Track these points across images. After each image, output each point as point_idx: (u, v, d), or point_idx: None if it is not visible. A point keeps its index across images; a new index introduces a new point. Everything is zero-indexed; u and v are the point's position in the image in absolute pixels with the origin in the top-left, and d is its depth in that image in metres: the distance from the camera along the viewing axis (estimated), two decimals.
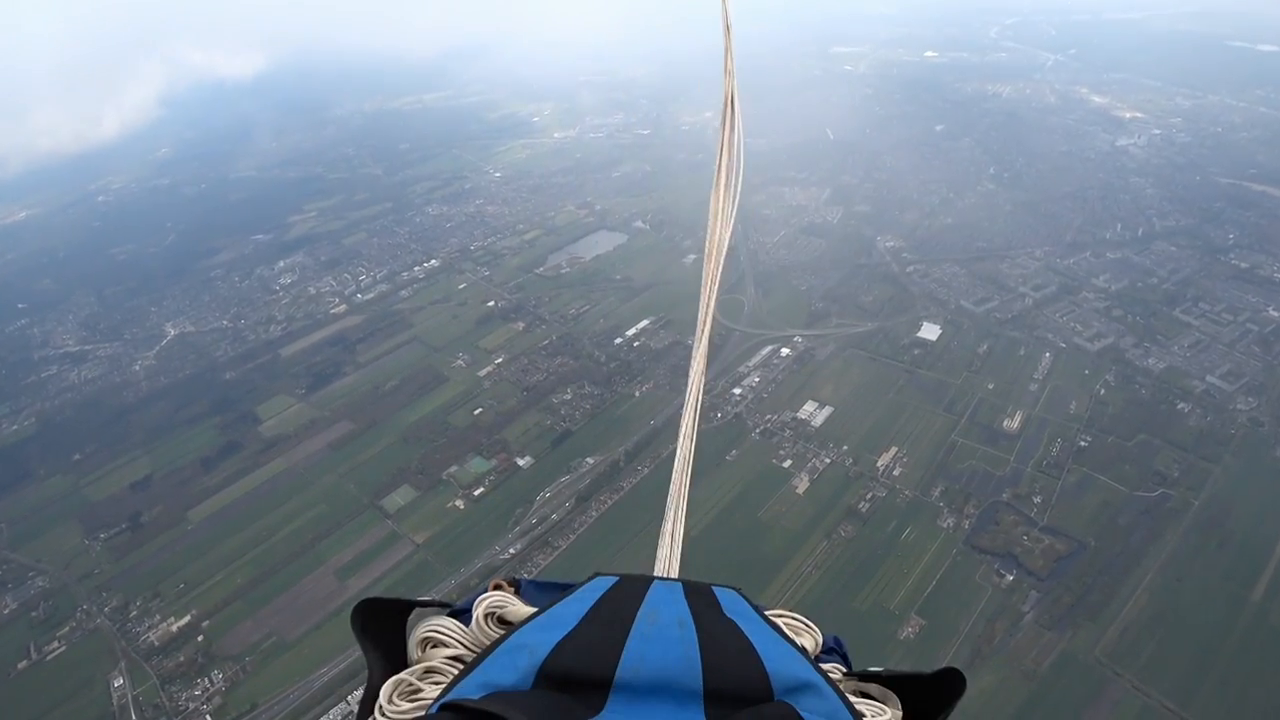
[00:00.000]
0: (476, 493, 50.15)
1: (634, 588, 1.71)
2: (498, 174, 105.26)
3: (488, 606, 1.95)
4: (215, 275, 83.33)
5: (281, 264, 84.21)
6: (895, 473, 49.75)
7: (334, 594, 44.39)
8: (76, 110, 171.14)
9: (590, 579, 1.85)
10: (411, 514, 49.25)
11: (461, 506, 49.40)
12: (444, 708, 1.28)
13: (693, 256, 74.55)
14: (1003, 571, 43.20)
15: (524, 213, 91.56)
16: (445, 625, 1.95)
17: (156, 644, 42.22)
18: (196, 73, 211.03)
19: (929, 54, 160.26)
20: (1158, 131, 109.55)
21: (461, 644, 1.90)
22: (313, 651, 40.89)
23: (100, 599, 45.47)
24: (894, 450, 51.36)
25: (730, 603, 1.74)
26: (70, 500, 53.61)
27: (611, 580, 1.82)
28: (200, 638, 42.39)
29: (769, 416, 54.88)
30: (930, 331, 63.92)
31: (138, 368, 68.64)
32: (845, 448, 51.99)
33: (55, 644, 43.14)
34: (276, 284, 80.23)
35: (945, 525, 45.95)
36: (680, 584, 1.82)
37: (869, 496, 48.08)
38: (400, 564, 45.99)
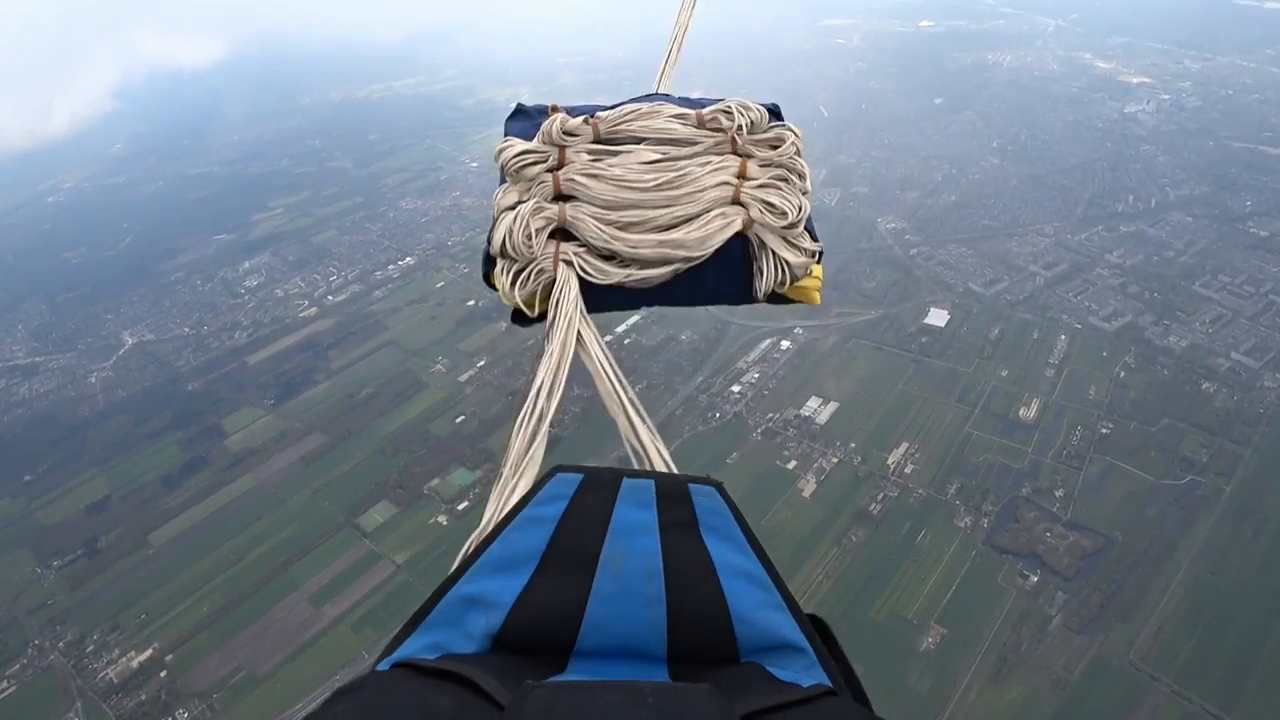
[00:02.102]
0: (461, 507, 48.51)
1: (599, 498, 1.58)
2: (474, 164, 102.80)
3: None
4: (176, 279, 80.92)
5: (246, 265, 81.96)
6: (907, 470, 48.35)
7: (308, 622, 42.77)
8: (24, 104, 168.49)
9: (550, 476, 1.65)
10: (391, 532, 47.60)
11: (445, 523, 47.85)
12: (398, 665, 1.30)
13: None
14: (1026, 572, 41.88)
15: None
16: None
17: (116, 681, 40.31)
18: (153, 62, 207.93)
19: (924, 23, 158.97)
20: (1166, 97, 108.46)
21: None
22: (286, 686, 39.25)
23: (54, 633, 43.50)
24: (904, 446, 49.97)
25: (707, 511, 1.61)
26: (21, 525, 51.57)
27: (574, 482, 1.62)
28: (163, 673, 40.45)
29: (770, 415, 53.39)
30: (938, 317, 62.54)
31: (93, 380, 66.47)
32: (853, 445, 50.57)
33: (4, 684, 41.22)
34: (241, 287, 78.04)
35: (962, 525, 44.64)
36: (653, 485, 1.61)
37: (880, 497, 46.71)
38: (380, 587, 44.38)
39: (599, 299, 2.26)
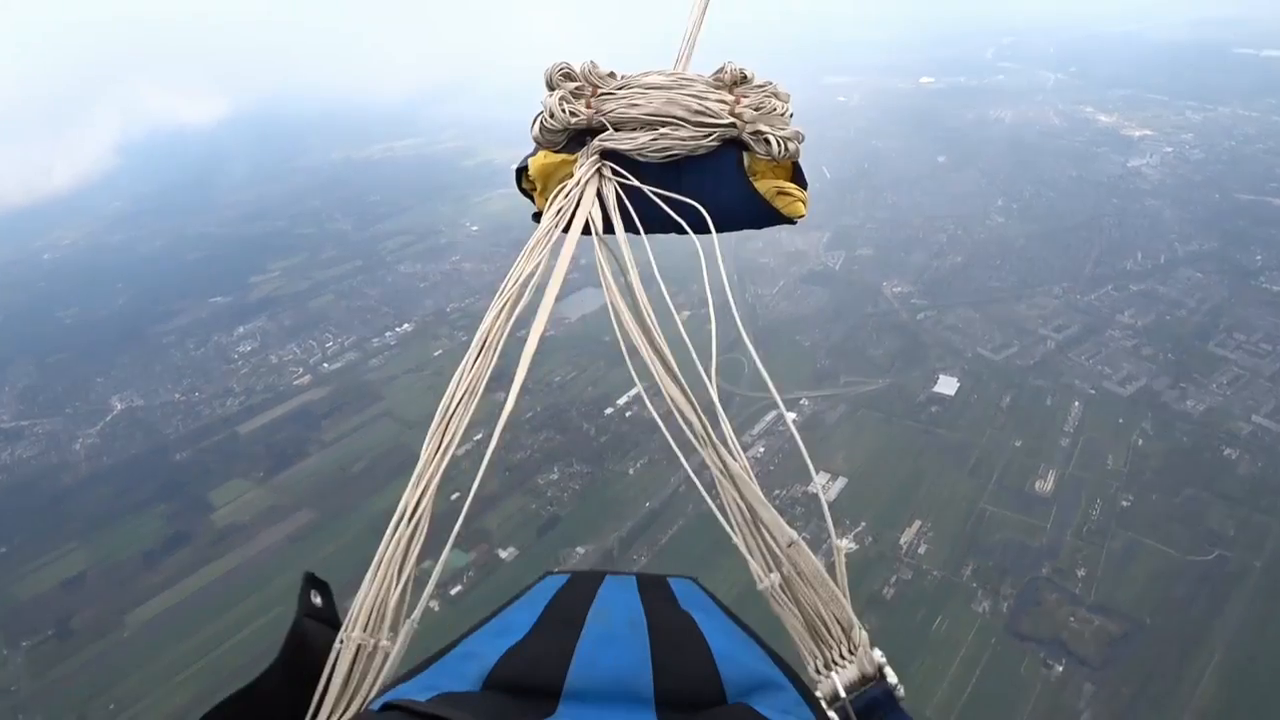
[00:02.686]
0: (454, 591, 46.74)
1: (585, 586, 1.72)
2: (475, 227, 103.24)
3: None
4: (169, 342, 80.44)
5: (241, 330, 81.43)
6: (920, 551, 46.68)
7: None
8: (25, 159, 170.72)
9: (541, 579, 1.81)
10: None
11: (437, 609, 46.00)
12: (387, 707, 1.29)
13: (686, 313, 71.43)
14: (1050, 661, 39.89)
15: (503, 270, 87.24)
16: None
17: None
18: (156, 119, 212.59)
19: (925, 80, 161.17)
20: (1169, 149, 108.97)
21: None
22: None
23: None
24: (917, 525, 48.36)
25: (686, 594, 1.75)
26: None
27: (562, 579, 1.78)
28: None
29: (777, 492, 51.74)
30: (947, 385, 61.45)
31: (78, 446, 65.24)
32: (863, 524, 48.92)
33: None
34: (235, 352, 77.40)
35: (980, 610, 42.80)
36: (634, 578, 1.77)
37: (893, 580, 44.93)
38: None
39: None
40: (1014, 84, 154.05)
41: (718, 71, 2.45)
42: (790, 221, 2.46)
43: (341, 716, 1.51)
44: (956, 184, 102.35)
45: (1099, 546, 46.28)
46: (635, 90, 2.41)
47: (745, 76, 2.41)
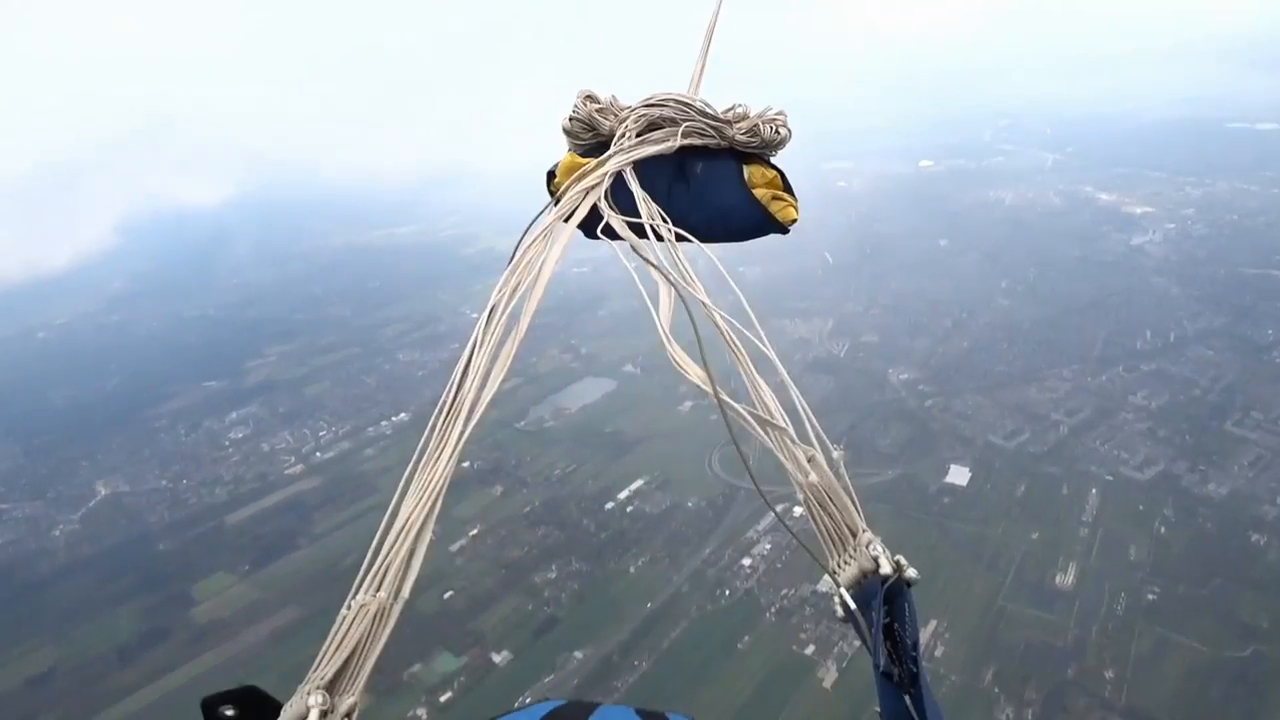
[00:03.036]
0: (443, 698, 44.81)
1: (577, 715, 1.75)
2: (474, 315, 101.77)
3: None
4: (159, 426, 79.98)
5: (234, 415, 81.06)
6: (938, 653, 44.58)
7: None
8: (26, 235, 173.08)
9: (532, 704, 1.86)
10: None
11: (424, 716, 44.05)
12: None
13: (689, 403, 71.95)
14: None
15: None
16: None
17: None
18: (159, 198, 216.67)
19: (924, 164, 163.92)
20: (1172, 225, 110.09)
21: None
22: None
23: None
24: (933, 625, 46.40)
25: None
26: None
27: (555, 704, 1.82)
28: None
29: (785, 591, 50.08)
30: (959, 475, 60.27)
31: (58, 533, 64.02)
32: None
33: None
34: (226, 439, 76.73)
35: (1004, 719, 40.65)
36: (632, 711, 1.82)
37: None
38: None
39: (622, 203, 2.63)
40: (1013, 165, 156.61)
41: (727, 110, 2.73)
42: (784, 229, 2.69)
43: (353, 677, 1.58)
44: (960, 267, 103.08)
45: (1126, 644, 44.37)
46: (651, 103, 2.69)
47: (747, 115, 2.70)
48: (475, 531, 59.08)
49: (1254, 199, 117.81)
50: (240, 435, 77.26)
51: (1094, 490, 57.03)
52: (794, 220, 2.69)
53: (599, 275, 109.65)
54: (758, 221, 2.65)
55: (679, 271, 2.34)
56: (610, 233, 2.51)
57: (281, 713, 1.49)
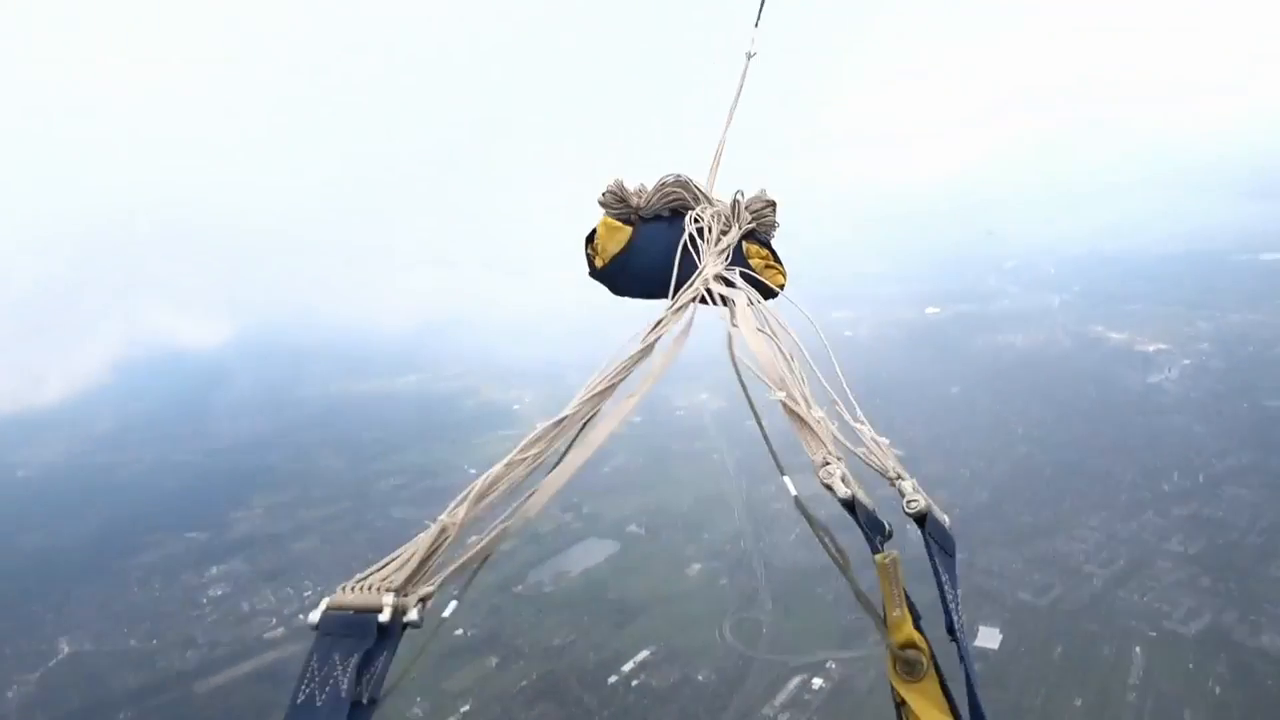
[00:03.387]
0: None
1: None
2: (472, 470, 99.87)
3: None
4: (133, 579, 77.74)
5: (214, 570, 78.96)
6: None
7: None
8: (19, 368, 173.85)
9: None
10: None
11: None
12: None
13: (697, 566, 70.13)
14: None
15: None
16: None
17: None
18: (156, 338, 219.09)
19: (930, 310, 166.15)
20: (1187, 361, 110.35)
21: None
22: None
23: None
24: None
25: None
26: None
27: None
28: None
29: None
30: (989, 638, 57.87)
31: (11, 694, 61.16)
32: None
33: None
34: (204, 596, 74.60)
35: None
36: None
37: None
38: None
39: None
40: (1020, 308, 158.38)
41: (736, 196, 3.68)
42: (774, 294, 3.35)
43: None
44: (973, 415, 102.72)
45: None
46: (667, 185, 3.70)
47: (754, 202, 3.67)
48: (466, 708, 56.65)
49: (1268, 329, 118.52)
50: (219, 592, 75.14)
51: (1138, 649, 54.72)
52: (782, 285, 3.53)
53: None
54: (755, 285, 3.24)
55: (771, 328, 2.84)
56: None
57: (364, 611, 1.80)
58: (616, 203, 3.68)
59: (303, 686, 1.65)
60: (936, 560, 1.83)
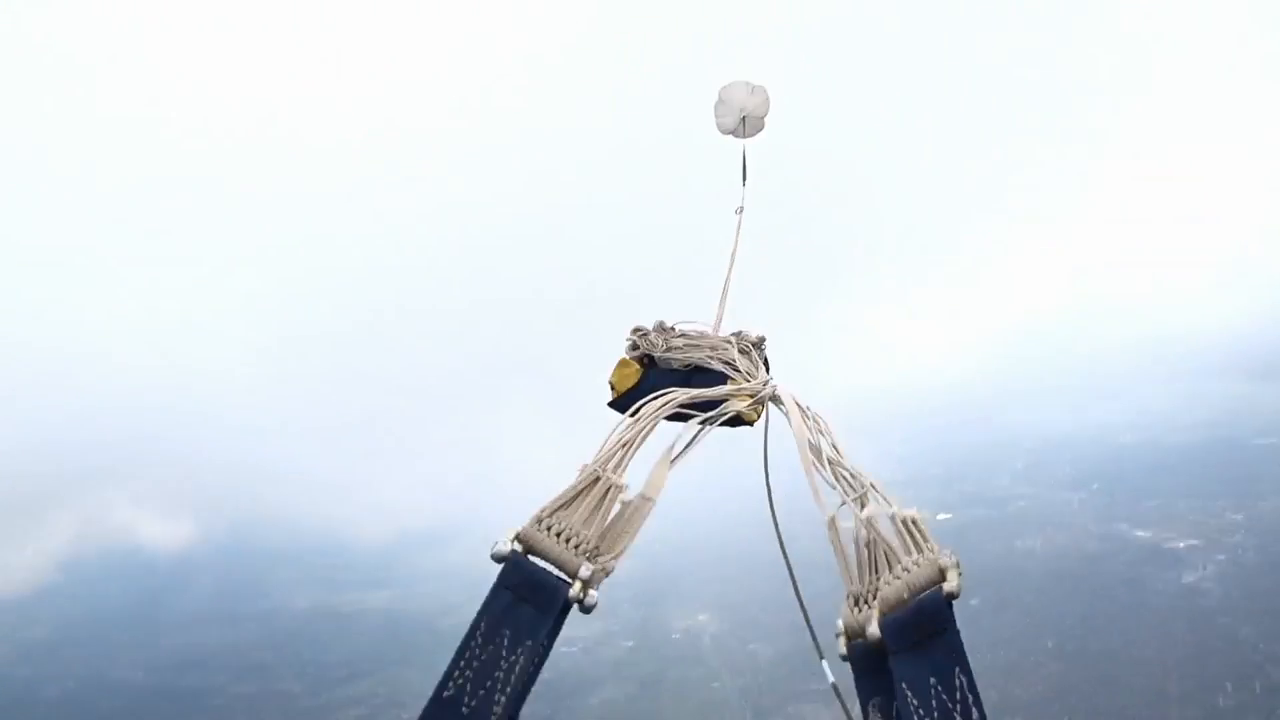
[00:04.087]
0: None
1: None
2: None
3: None
4: None
5: None
6: None
7: None
8: None
9: None
10: None
11: None
12: None
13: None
14: None
15: None
16: None
17: None
18: (112, 535, 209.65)
19: (942, 517, 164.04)
20: (1222, 556, 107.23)
21: None
22: None
23: None
24: None
25: None
26: None
27: None
28: None
29: None
30: None
31: None
32: None
33: None
34: None
35: None
36: None
37: None
38: None
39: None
40: (1037, 509, 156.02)
41: (733, 334, 4.07)
42: (751, 424, 3.51)
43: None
44: (996, 630, 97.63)
45: None
46: (689, 338, 4.00)
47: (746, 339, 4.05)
48: None
49: None
50: None
51: None
52: (754, 421, 3.57)
53: (590, 656, 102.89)
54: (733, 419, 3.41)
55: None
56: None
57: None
58: (632, 349, 4.02)
59: (455, 674, 1.60)
60: None
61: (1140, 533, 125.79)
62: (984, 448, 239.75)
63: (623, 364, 4.03)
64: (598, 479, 2.08)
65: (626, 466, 2.14)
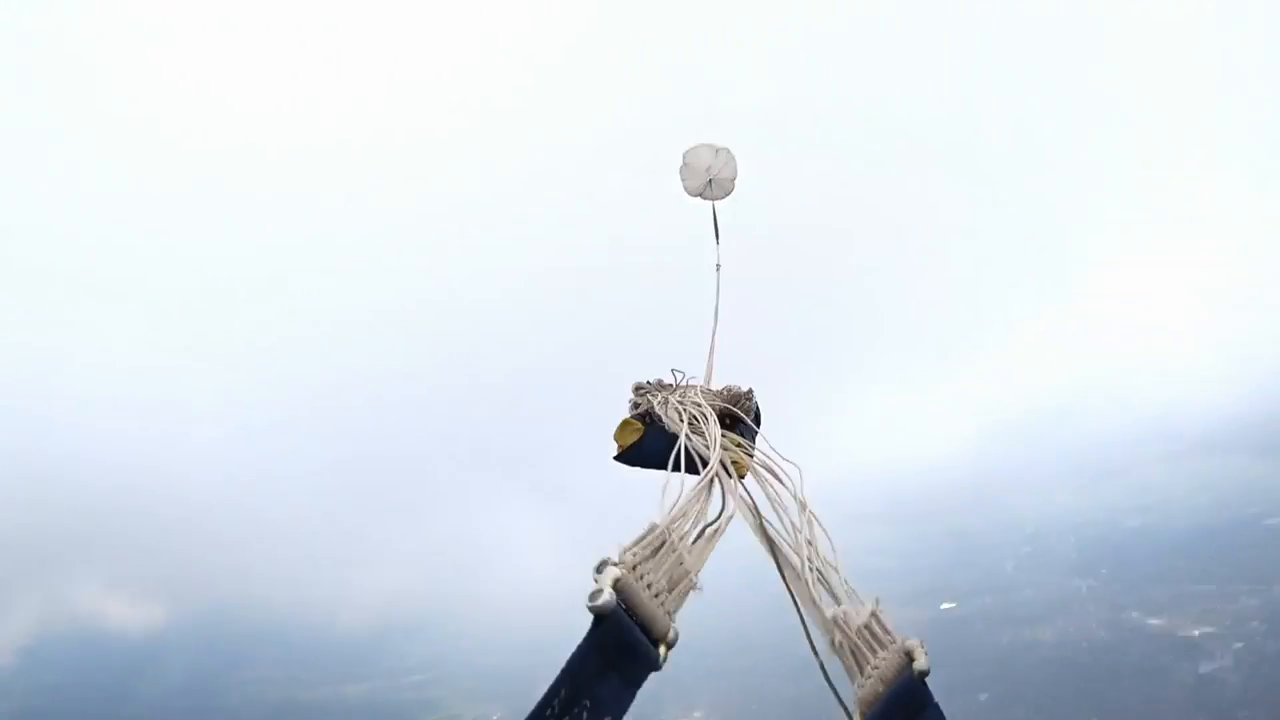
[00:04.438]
0: None
1: None
2: None
3: None
4: None
5: None
6: None
7: None
8: None
9: None
10: None
11: None
12: None
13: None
14: None
15: None
16: None
17: None
18: (79, 619, 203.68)
19: (946, 606, 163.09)
20: (1240, 644, 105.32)
21: None
22: None
23: None
24: None
25: None
26: None
27: None
28: None
29: None
30: None
31: None
32: None
33: None
34: None
35: None
36: None
37: None
38: None
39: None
40: (1044, 598, 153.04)
41: (723, 388, 4.35)
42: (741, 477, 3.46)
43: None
44: None
45: None
46: (678, 400, 4.06)
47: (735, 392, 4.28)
48: None
49: None
50: None
51: None
52: (744, 474, 3.54)
53: None
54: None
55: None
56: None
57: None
58: (634, 408, 4.19)
59: None
60: None
61: (1153, 620, 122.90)
62: (986, 532, 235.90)
63: (625, 424, 4.19)
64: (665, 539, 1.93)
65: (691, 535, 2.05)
